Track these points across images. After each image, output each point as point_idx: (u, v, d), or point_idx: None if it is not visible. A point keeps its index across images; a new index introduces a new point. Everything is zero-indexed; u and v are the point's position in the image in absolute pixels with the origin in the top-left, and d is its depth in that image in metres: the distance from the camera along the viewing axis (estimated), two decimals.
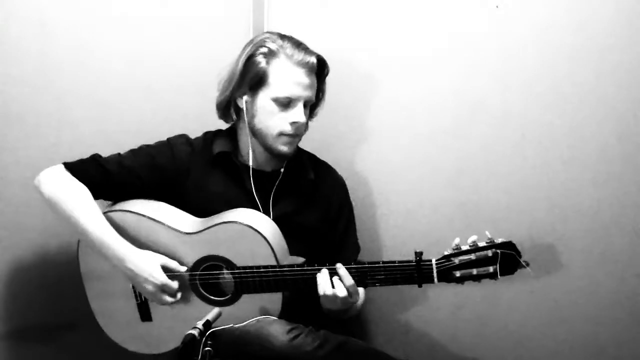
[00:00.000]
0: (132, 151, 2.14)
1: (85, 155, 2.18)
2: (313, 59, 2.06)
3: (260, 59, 2.06)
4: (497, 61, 2.23)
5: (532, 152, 2.21)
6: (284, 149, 2.09)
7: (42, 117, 2.29)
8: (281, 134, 2.07)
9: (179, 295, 2.03)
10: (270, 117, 2.07)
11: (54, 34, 2.28)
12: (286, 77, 2.04)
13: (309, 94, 2.07)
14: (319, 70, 2.11)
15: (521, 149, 2.22)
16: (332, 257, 2.03)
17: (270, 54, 2.05)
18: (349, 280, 1.93)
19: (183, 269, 2.03)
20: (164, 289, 2.01)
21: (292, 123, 2.06)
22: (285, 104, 2.05)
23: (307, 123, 2.18)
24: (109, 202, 2.14)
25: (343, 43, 2.41)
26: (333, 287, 1.93)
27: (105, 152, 2.19)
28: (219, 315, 1.77)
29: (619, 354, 2.16)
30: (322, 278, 1.94)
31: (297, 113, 2.05)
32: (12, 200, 2.26)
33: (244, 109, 2.11)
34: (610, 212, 2.13)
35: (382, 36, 2.38)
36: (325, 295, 1.94)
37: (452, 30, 2.29)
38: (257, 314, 1.99)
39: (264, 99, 2.07)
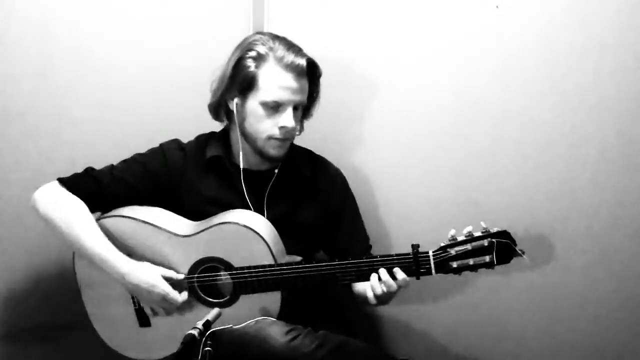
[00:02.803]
0: (124, 162, 2.13)
1: (85, 155, 2.18)
2: (303, 62, 2.03)
3: (250, 63, 2.04)
4: (497, 61, 2.23)
5: (532, 152, 2.21)
6: (273, 152, 2.08)
7: (42, 117, 2.29)
8: (270, 138, 2.07)
9: (180, 299, 2.03)
10: (259, 121, 2.06)
11: (54, 34, 2.29)
12: (275, 81, 2.03)
13: (298, 98, 2.05)
14: (310, 73, 2.08)
15: (521, 149, 2.22)
16: (343, 250, 2.03)
17: (260, 58, 2.04)
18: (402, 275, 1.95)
19: (180, 276, 2.04)
20: (167, 298, 2.01)
21: (281, 128, 2.05)
22: (274, 108, 2.04)
23: (301, 125, 2.17)
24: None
25: (343, 43, 2.41)
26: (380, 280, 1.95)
27: (105, 152, 2.19)
28: (218, 315, 1.77)
29: (619, 354, 2.16)
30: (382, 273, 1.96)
31: (286, 118, 2.04)
32: (12, 201, 2.26)
33: (235, 111, 2.10)
34: (610, 212, 2.13)
35: (382, 36, 2.38)
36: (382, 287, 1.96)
37: (452, 30, 2.28)
38: (255, 315, 1.99)
39: (253, 103, 2.06)
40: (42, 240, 2.29)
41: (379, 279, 1.96)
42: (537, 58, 2.18)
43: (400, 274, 1.95)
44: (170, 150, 2.15)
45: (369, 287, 1.99)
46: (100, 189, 2.07)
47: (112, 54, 2.38)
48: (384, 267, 1.95)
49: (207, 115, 2.22)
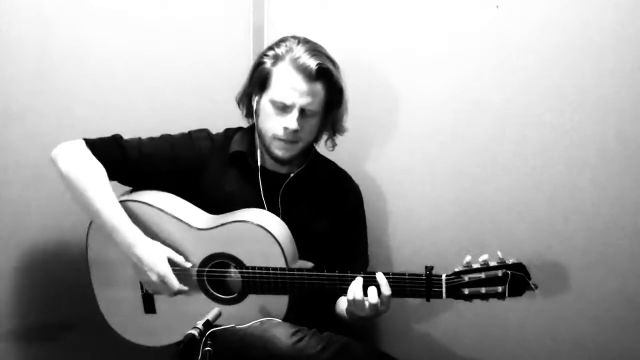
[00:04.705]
0: (153, 139, 2.14)
1: None
2: (312, 66, 2.02)
3: (267, 60, 2.07)
4: (497, 61, 2.23)
5: (532, 152, 2.21)
6: (278, 152, 2.08)
7: (42, 117, 2.29)
8: (275, 138, 2.07)
9: (177, 287, 2.02)
10: (267, 119, 2.07)
11: (54, 34, 2.29)
12: (284, 81, 2.04)
13: (305, 101, 2.04)
14: (324, 78, 2.06)
15: (521, 149, 2.22)
16: (342, 266, 2.03)
17: (277, 57, 2.05)
18: (387, 290, 1.92)
19: (188, 265, 2.04)
20: (165, 280, 2.01)
21: (284, 128, 2.05)
22: (281, 108, 2.04)
23: (332, 142, 2.19)
24: (126, 189, 2.14)
25: (343, 43, 2.40)
26: (365, 294, 1.92)
27: None
28: (218, 315, 1.77)
29: (620, 353, 2.17)
30: (356, 284, 1.93)
31: (290, 119, 2.04)
32: (12, 200, 2.26)
33: (254, 107, 2.12)
34: (610, 212, 2.13)
35: (381, 37, 2.38)
36: (354, 300, 1.93)
37: (452, 30, 2.28)
38: (261, 315, 2.00)
39: (265, 100, 2.07)
40: (42, 241, 2.29)
41: (365, 293, 1.93)
42: (537, 58, 2.18)
43: (385, 291, 1.92)
44: (199, 139, 2.16)
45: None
46: (124, 161, 2.08)
47: (112, 54, 2.38)
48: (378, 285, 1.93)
49: (207, 115, 2.23)
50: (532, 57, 2.18)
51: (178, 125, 2.28)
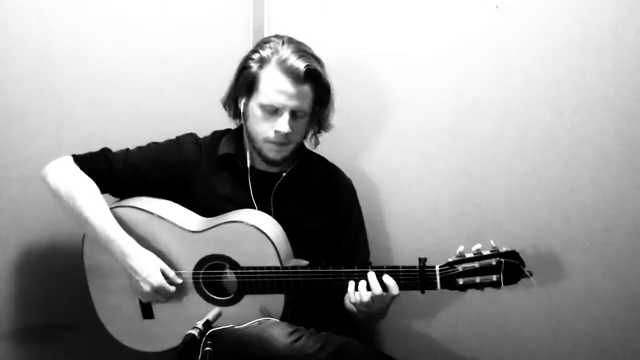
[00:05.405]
0: (140, 148, 2.15)
1: None
2: (301, 68, 2.01)
3: (253, 64, 2.06)
4: (497, 61, 2.23)
5: (533, 152, 2.21)
6: (271, 155, 2.09)
7: (42, 117, 2.29)
8: (267, 141, 2.07)
9: (171, 293, 2.03)
10: (258, 123, 2.07)
11: (54, 34, 2.29)
12: (272, 84, 2.03)
13: (295, 103, 2.04)
14: (312, 79, 2.05)
15: (521, 149, 2.22)
16: (343, 261, 2.03)
17: (263, 60, 2.04)
18: (395, 290, 1.93)
19: (179, 280, 2.04)
20: (159, 290, 2.02)
21: (276, 132, 2.05)
22: (271, 111, 2.04)
23: (315, 139, 2.19)
24: (116, 199, 2.14)
25: (343, 43, 2.41)
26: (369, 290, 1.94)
27: None
28: (219, 315, 1.78)
29: (619, 353, 2.17)
30: (361, 285, 1.95)
31: (281, 122, 2.04)
32: (12, 200, 2.26)
33: (241, 110, 2.11)
34: (610, 212, 2.14)
35: (382, 36, 2.38)
36: (361, 302, 1.95)
37: (452, 30, 2.29)
38: (258, 315, 2.00)
39: (254, 104, 2.07)
40: (42, 240, 2.29)
41: (368, 287, 1.94)
42: (537, 58, 2.18)
43: (389, 281, 1.93)
44: (185, 144, 2.16)
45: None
46: (112, 173, 2.09)
47: (112, 54, 2.38)
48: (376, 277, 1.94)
49: (207, 116, 2.22)
50: (532, 57, 2.19)
51: (178, 125, 2.29)
